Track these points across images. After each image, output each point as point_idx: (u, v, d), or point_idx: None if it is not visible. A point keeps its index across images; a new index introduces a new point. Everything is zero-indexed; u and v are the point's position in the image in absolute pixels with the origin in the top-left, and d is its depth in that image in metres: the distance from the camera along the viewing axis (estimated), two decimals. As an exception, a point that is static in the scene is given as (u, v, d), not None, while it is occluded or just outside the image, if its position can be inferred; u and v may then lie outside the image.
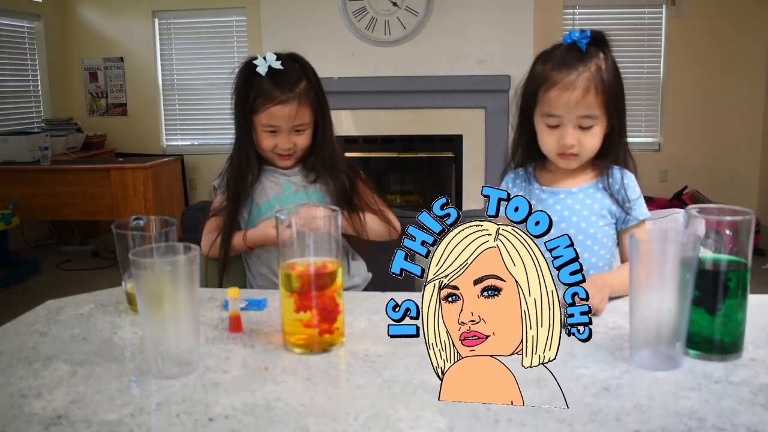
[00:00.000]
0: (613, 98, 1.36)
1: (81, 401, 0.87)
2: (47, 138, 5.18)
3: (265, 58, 1.62)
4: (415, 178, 5.74)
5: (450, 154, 5.28)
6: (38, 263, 4.79)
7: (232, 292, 1.12)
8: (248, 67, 1.63)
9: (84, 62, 6.11)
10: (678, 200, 5.13)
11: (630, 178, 1.42)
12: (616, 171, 1.42)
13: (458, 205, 5.23)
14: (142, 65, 6.07)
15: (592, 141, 1.37)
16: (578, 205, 1.41)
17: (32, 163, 4.88)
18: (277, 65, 1.62)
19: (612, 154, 1.41)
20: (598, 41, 1.38)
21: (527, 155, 1.49)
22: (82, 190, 4.71)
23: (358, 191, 1.72)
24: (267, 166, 1.73)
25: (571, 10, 5.62)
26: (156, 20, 6.02)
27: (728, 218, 0.97)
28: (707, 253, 0.97)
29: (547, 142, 1.39)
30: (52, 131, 5.52)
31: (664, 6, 5.57)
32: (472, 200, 5.15)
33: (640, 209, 1.41)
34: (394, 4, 5.03)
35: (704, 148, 5.68)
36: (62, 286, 4.35)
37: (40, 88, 5.86)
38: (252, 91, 1.62)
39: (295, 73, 1.64)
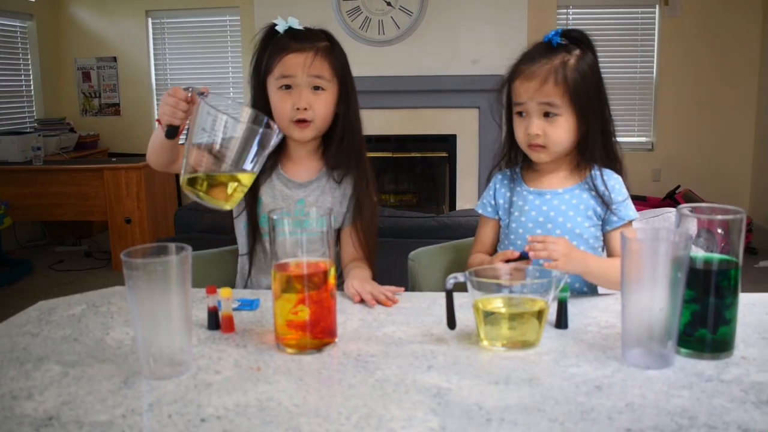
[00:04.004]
0: (579, 95, 1.36)
1: (72, 402, 0.87)
2: (40, 138, 5.17)
3: (287, 21, 1.53)
4: (409, 178, 5.75)
5: (444, 154, 5.28)
6: (31, 264, 4.78)
7: (225, 293, 1.12)
8: (268, 29, 1.54)
9: (77, 62, 6.10)
10: (671, 199, 5.14)
11: (616, 180, 1.42)
12: (600, 173, 1.43)
13: (452, 205, 5.24)
14: (135, 65, 6.05)
15: (556, 132, 1.38)
16: (564, 205, 1.42)
17: (24, 164, 4.86)
18: (299, 27, 1.52)
19: (591, 153, 1.42)
20: (576, 40, 1.40)
21: (515, 155, 1.50)
22: (74, 190, 4.70)
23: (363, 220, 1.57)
24: (282, 171, 1.58)
25: (565, 10, 5.64)
26: (149, 20, 6.01)
27: (719, 217, 0.98)
28: (699, 252, 0.98)
29: (518, 133, 1.42)
30: (45, 131, 5.51)
31: (657, 6, 5.59)
32: (465, 200, 5.16)
33: (626, 210, 1.41)
34: (388, 4, 5.03)
35: (697, 148, 5.70)
36: (55, 287, 4.33)
37: (32, 87, 5.84)
38: (268, 50, 1.52)
39: (318, 35, 1.53)
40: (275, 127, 1.18)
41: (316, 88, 1.50)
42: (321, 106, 1.50)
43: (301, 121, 1.50)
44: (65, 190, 4.70)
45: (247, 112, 1.25)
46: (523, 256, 1.28)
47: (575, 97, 1.36)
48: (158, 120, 1.35)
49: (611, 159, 1.44)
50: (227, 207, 1.21)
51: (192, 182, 1.17)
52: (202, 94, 1.20)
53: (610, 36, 5.65)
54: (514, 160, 1.51)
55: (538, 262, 1.27)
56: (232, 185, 1.18)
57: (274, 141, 1.16)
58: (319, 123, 1.52)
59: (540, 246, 1.25)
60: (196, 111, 1.15)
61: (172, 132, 1.31)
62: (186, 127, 1.32)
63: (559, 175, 1.45)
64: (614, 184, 1.42)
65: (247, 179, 1.19)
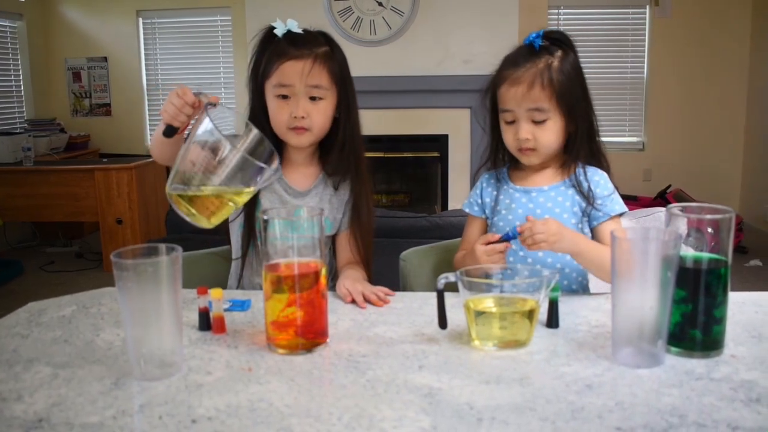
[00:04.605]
0: (566, 96, 1.37)
1: (62, 404, 0.86)
2: (30, 138, 5.15)
3: (285, 24, 1.49)
4: (401, 178, 5.76)
5: (436, 154, 5.29)
6: (21, 265, 4.75)
7: (216, 293, 1.12)
8: (267, 32, 1.50)
9: (67, 62, 6.07)
10: (662, 199, 5.16)
11: (601, 176, 1.44)
12: (586, 169, 1.44)
13: (444, 205, 5.24)
14: (126, 65, 6.04)
15: (546, 135, 1.39)
16: (550, 203, 1.43)
17: (15, 164, 4.84)
18: (298, 30, 1.48)
19: (577, 152, 1.43)
20: (557, 41, 1.40)
21: (501, 156, 1.51)
22: (65, 191, 4.67)
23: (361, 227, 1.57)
24: (283, 176, 1.55)
25: (556, 11, 5.65)
26: (140, 20, 5.99)
27: (709, 216, 0.98)
28: (688, 251, 0.98)
29: (507, 138, 1.43)
30: (35, 132, 5.48)
31: (647, 6, 5.61)
32: (457, 200, 5.17)
33: (612, 205, 1.42)
34: (380, 4, 5.03)
35: (687, 147, 5.73)
36: (46, 288, 4.31)
37: (22, 88, 5.81)
38: (266, 54, 1.49)
39: (317, 39, 1.50)
40: (274, 165, 1.16)
41: (314, 97, 1.47)
42: (319, 116, 1.48)
43: (298, 128, 1.48)
44: (56, 191, 4.68)
45: (250, 134, 1.22)
46: (504, 239, 1.29)
47: (562, 99, 1.37)
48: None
49: (596, 157, 1.45)
50: (206, 225, 1.17)
51: (178, 191, 1.15)
52: (211, 104, 1.18)
53: (601, 36, 5.67)
54: (500, 162, 1.52)
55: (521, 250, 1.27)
56: (218, 205, 1.16)
57: (268, 175, 1.14)
58: (316, 131, 1.50)
59: (527, 235, 1.26)
60: (199, 122, 1.14)
61: (171, 131, 1.29)
62: (186, 129, 1.30)
63: (545, 174, 1.46)
64: (598, 179, 1.43)
65: (234, 201, 1.17)
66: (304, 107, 1.46)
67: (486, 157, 1.54)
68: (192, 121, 1.28)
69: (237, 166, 1.12)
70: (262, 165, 1.13)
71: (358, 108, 1.56)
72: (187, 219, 1.15)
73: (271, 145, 1.22)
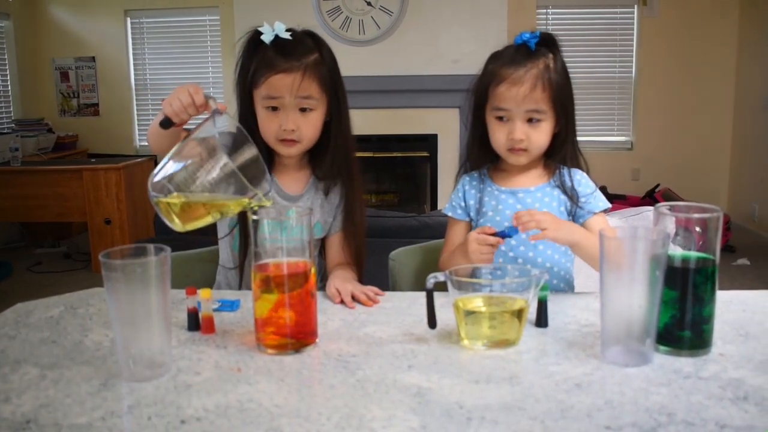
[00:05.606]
0: (560, 97, 1.39)
1: (50, 405, 0.86)
2: (17, 138, 5.11)
3: (273, 28, 1.44)
4: (390, 178, 5.76)
5: (425, 154, 5.29)
6: (9, 266, 4.71)
7: (205, 294, 1.11)
8: (253, 36, 1.45)
9: (55, 62, 6.04)
10: (650, 198, 5.19)
11: (582, 175, 1.46)
12: (566, 170, 1.45)
13: (433, 205, 5.25)
14: (114, 65, 6.01)
15: (540, 137, 1.40)
16: (537, 203, 1.44)
17: (2, 164, 4.80)
18: (286, 35, 1.43)
19: (564, 153, 1.44)
20: (549, 43, 1.41)
21: (482, 155, 1.51)
22: (53, 191, 4.64)
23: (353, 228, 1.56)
24: (276, 180, 1.55)
25: (544, 11, 5.67)
26: (128, 19, 5.97)
27: (696, 215, 0.99)
28: (676, 250, 0.99)
29: (498, 137, 1.42)
30: (23, 132, 5.45)
31: (635, 6, 5.64)
32: (447, 199, 5.13)
33: (596, 202, 1.44)
34: (369, 4, 5.04)
35: (676, 147, 5.76)
36: (33, 289, 4.28)
37: (10, 88, 5.77)
38: (254, 61, 1.45)
39: (305, 45, 1.46)
40: (265, 187, 1.15)
41: (304, 108, 1.45)
42: (309, 128, 1.46)
43: (288, 140, 1.46)
44: (44, 191, 4.65)
45: (250, 155, 1.20)
46: (499, 234, 1.28)
47: (558, 101, 1.38)
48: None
49: (576, 157, 1.47)
50: (178, 229, 1.15)
51: (163, 189, 1.14)
52: (218, 111, 1.17)
53: (589, 36, 5.69)
54: (482, 161, 1.52)
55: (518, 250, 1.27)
56: (199, 213, 1.14)
57: (258, 197, 1.13)
58: (306, 142, 1.48)
59: (527, 217, 1.25)
60: (202, 127, 1.13)
61: (168, 124, 1.27)
62: (184, 125, 1.29)
63: (530, 175, 1.47)
64: (580, 178, 1.46)
65: (222, 213, 1.16)
66: (294, 120, 1.44)
67: (465, 158, 1.54)
68: (192, 119, 1.27)
69: (229, 182, 1.11)
70: (255, 191, 1.12)
71: (349, 110, 1.54)
72: (162, 217, 1.14)
73: (265, 167, 1.20)
